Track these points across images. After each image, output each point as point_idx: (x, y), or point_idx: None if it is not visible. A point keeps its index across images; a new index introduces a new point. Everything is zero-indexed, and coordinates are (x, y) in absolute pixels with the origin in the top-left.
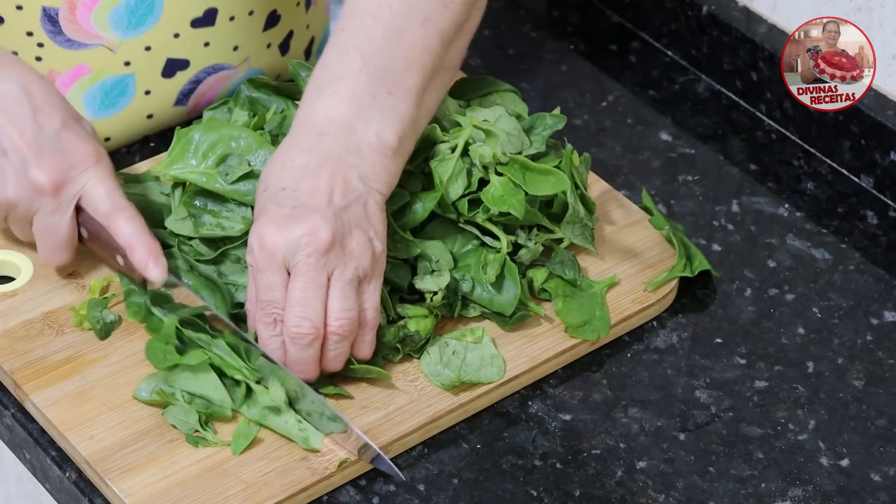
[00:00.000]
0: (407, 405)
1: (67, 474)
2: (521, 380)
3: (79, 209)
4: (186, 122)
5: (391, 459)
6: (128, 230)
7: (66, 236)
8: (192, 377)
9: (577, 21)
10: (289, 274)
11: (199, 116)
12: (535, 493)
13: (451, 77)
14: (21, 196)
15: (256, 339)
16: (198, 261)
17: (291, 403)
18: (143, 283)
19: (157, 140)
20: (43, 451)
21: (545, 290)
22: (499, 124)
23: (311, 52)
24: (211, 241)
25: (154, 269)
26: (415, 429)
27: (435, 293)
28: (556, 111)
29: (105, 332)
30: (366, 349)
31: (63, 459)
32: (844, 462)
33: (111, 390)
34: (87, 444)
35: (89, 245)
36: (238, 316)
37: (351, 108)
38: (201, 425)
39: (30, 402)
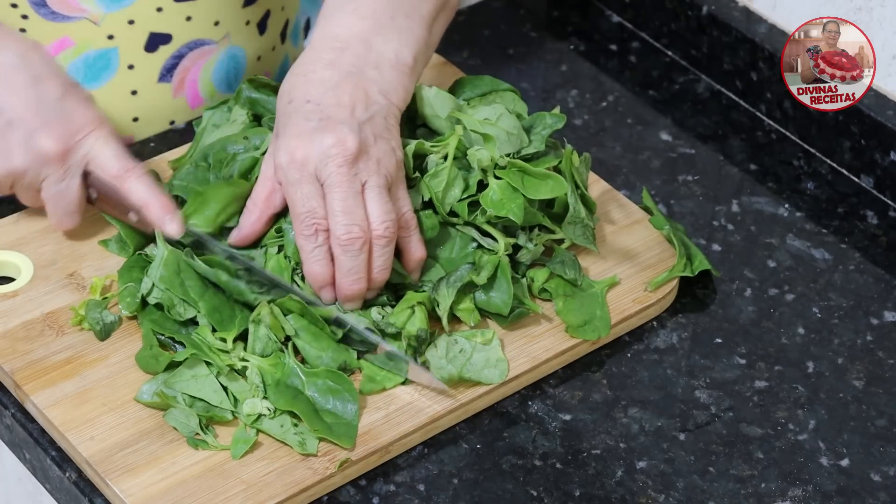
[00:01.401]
0: (407, 405)
1: (67, 474)
2: (521, 380)
3: (86, 172)
4: (182, 114)
5: (391, 461)
6: (140, 190)
7: (76, 201)
8: (191, 380)
9: (577, 21)
10: (321, 185)
11: (189, 105)
12: (535, 493)
13: (451, 16)
14: (29, 165)
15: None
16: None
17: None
18: (154, 235)
19: (157, 140)
20: (43, 451)
21: (546, 290)
22: (500, 123)
23: (286, 35)
24: None
25: (171, 224)
26: (415, 429)
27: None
28: (556, 110)
29: (105, 332)
30: (419, 248)
31: (63, 459)
32: (844, 462)
33: (112, 391)
34: (87, 445)
35: (99, 206)
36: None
37: (371, 26)
38: (202, 428)
39: (30, 403)
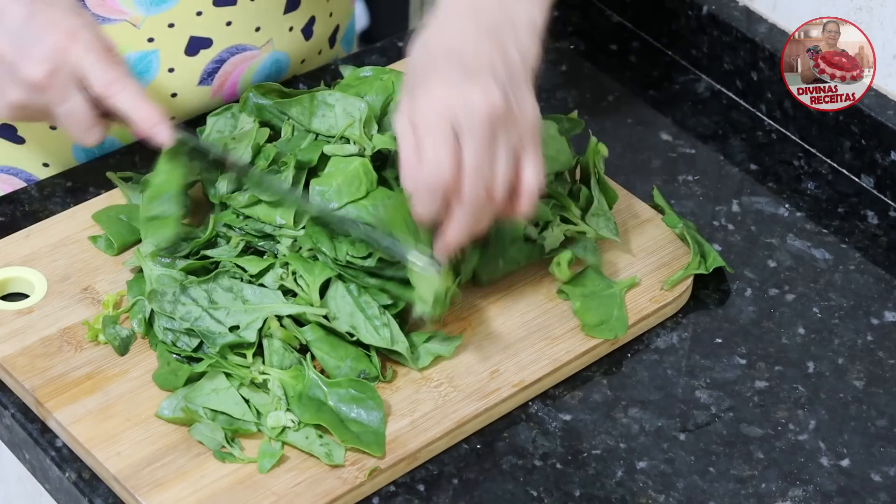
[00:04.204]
0: (432, 411)
1: (67, 474)
2: (544, 382)
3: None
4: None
5: (418, 467)
6: (125, 102)
7: (86, 117)
8: (212, 394)
9: (577, 21)
10: (455, 135)
11: (226, 103)
12: (535, 493)
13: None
14: (25, 96)
15: None
16: (189, 272)
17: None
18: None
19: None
20: (43, 451)
21: (562, 291)
22: (543, 148)
23: (336, 40)
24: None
25: (160, 133)
26: (442, 435)
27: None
28: (574, 115)
29: (123, 347)
30: (530, 213)
31: (63, 459)
32: (845, 462)
33: (135, 405)
34: (114, 461)
35: (114, 118)
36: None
37: None
38: (227, 441)
39: (53, 420)
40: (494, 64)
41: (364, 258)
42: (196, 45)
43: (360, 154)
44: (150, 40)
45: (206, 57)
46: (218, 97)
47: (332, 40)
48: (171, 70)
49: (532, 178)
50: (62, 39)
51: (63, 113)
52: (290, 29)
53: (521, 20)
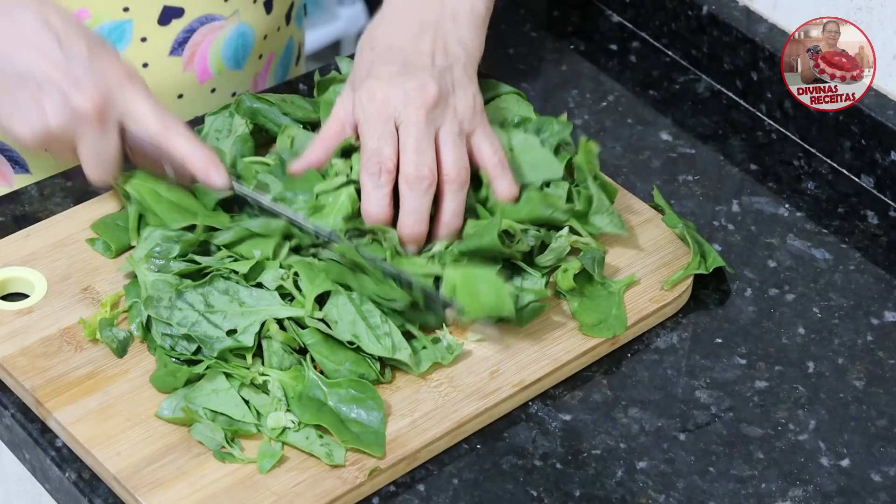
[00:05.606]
0: (432, 411)
1: (67, 474)
2: (544, 382)
3: (122, 127)
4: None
5: (418, 467)
6: (183, 145)
7: (115, 157)
8: (212, 395)
9: (577, 21)
10: (396, 128)
11: (198, 80)
12: (535, 494)
13: None
14: (65, 125)
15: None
16: (184, 276)
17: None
18: (192, 184)
19: None
20: (43, 451)
21: (560, 292)
22: (523, 156)
23: (291, 17)
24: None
25: (216, 176)
26: (442, 435)
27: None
28: (563, 118)
29: (121, 349)
30: (511, 188)
31: (63, 459)
32: (845, 462)
33: (134, 405)
34: (114, 461)
35: (133, 159)
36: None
37: None
38: (227, 442)
39: (53, 420)
40: (435, 56)
41: (390, 300)
42: (168, 15)
43: (347, 182)
44: (126, 10)
45: (177, 26)
46: (190, 71)
47: (287, 17)
48: (143, 39)
49: (490, 154)
50: (121, 79)
51: (96, 149)
52: (255, 1)
53: (463, 13)
